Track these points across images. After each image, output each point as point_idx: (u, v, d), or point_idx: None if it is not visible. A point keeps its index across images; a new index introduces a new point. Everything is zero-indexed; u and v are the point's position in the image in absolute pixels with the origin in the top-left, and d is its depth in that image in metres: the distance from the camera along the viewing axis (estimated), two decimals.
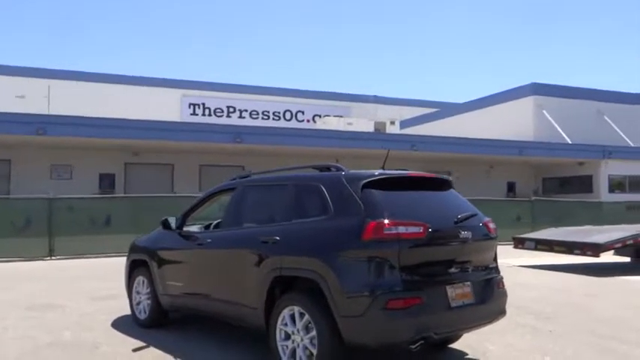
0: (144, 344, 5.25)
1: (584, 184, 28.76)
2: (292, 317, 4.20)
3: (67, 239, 13.67)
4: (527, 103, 31.46)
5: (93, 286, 8.81)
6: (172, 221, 5.74)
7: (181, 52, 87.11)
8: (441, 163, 27.34)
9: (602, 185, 28.26)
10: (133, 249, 6.39)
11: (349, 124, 30.70)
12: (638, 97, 33.28)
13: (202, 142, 23.35)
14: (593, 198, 25.81)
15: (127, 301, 7.38)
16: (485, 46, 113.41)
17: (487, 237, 4.45)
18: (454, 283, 4.08)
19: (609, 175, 28.47)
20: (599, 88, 33.02)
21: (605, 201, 23.64)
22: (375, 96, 43.37)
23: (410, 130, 35.10)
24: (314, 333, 3.99)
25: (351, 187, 4.16)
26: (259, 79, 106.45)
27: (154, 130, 22.10)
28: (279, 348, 4.27)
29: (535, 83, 31.52)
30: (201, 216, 6.27)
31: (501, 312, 4.44)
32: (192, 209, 5.86)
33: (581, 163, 28.72)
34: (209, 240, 5.19)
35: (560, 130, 29.66)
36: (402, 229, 3.86)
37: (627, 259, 11.95)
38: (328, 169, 4.71)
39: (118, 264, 12.27)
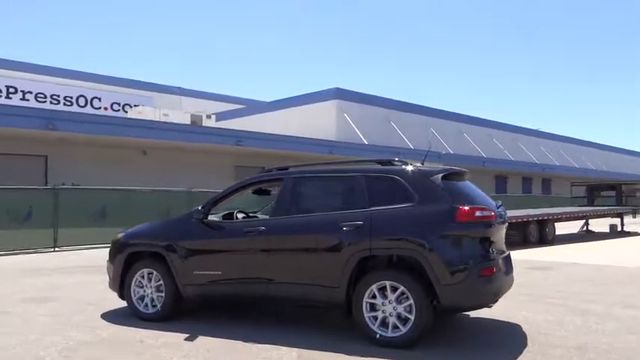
0: (187, 334, 5.20)
1: None
2: (381, 291, 4.81)
3: None
4: (331, 106, 34.60)
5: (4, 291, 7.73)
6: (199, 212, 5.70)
7: None
8: (258, 158, 28.33)
9: None
10: (128, 243, 6.06)
11: (165, 115, 29.78)
12: (417, 107, 39.19)
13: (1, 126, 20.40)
14: None
15: (70, 300, 7.03)
16: (289, 45, 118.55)
17: (506, 220, 5.68)
18: (499, 256, 5.18)
19: None
20: (388, 96, 37.85)
21: None
22: (179, 87, 42.44)
23: (221, 125, 35.50)
24: (410, 302, 4.67)
25: (432, 179, 4.97)
26: (48, 59, 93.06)
27: None
28: (367, 319, 4.83)
29: (338, 88, 34.83)
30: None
31: (513, 280, 5.67)
32: (219, 200, 5.87)
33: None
34: (262, 228, 5.37)
35: (359, 132, 33.45)
36: (483, 213, 4.83)
37: None
38: (390, 162, 5.40)
39: None
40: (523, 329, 5.44)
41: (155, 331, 5.35)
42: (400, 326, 4.73)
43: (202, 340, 5.02)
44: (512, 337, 5.20)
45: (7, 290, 7.80)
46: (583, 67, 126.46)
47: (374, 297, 4.84)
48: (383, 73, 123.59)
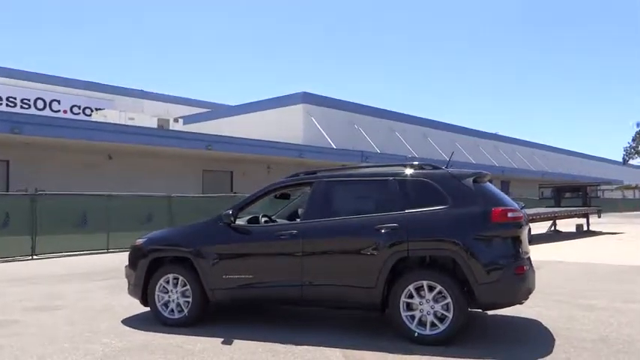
0: (221, 339, 5.20)
1: None
2: (418, 290, 4.96)
3: None
4: (298, 110, 34.69)
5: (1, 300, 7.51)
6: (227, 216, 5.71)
7: None
8: (227, 163, 28.12)
9: None
10: (152, 249, 5.99)
11: (131, 118, 29.18)
12: (383, 111, 39.71)
13: None
14: None
15: (76, 308, 6.92)
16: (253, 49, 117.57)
17: (528, 221, 5.92)
18: (525, 255, 5.41)
19: None
20: (353, 100, 38.21)
21: None
22: (141, 90, 41.57)
23: (188, 128, 35.00)
24: (448, 300, 4.83)
25: (464, 182, 5.16)
26: (2, 60, 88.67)
27: None
28: (404, 318, 4.97)
29: (305, 93, 34.95)
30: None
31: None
32: (247, 204, 5.90)
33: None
34: (294, 231, 5.43)
35: (327, 136, 33.66)
36: (515, 214, 5.05)
37: None
38: (421, 166, 5.56)
39: None
40: (543, 324, 5.70)
41: (188, 337, 5.32)
42: (438, 324, 4.88)
43: (240, 344, 5.03)
44: (538, 332, 5.44)
45: (3, 299, 7.56)
46: (538, 73, 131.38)
47: (410, 296, 4.98)
48: (348, 77, 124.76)
